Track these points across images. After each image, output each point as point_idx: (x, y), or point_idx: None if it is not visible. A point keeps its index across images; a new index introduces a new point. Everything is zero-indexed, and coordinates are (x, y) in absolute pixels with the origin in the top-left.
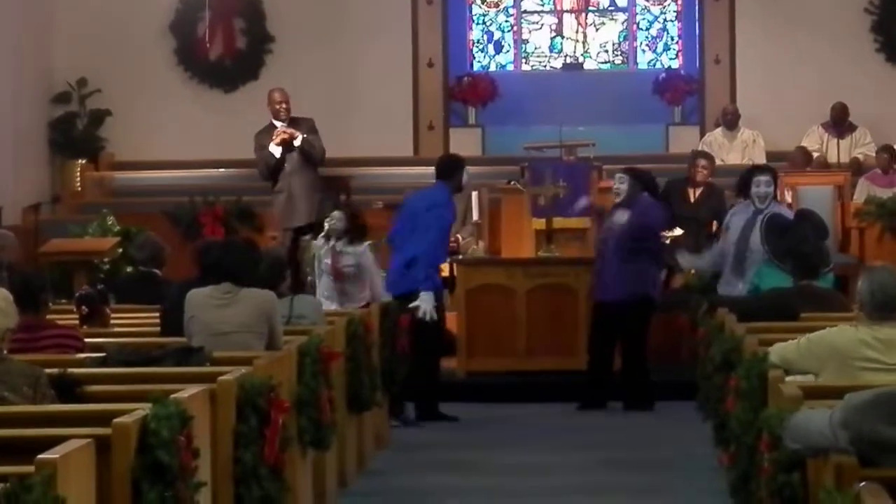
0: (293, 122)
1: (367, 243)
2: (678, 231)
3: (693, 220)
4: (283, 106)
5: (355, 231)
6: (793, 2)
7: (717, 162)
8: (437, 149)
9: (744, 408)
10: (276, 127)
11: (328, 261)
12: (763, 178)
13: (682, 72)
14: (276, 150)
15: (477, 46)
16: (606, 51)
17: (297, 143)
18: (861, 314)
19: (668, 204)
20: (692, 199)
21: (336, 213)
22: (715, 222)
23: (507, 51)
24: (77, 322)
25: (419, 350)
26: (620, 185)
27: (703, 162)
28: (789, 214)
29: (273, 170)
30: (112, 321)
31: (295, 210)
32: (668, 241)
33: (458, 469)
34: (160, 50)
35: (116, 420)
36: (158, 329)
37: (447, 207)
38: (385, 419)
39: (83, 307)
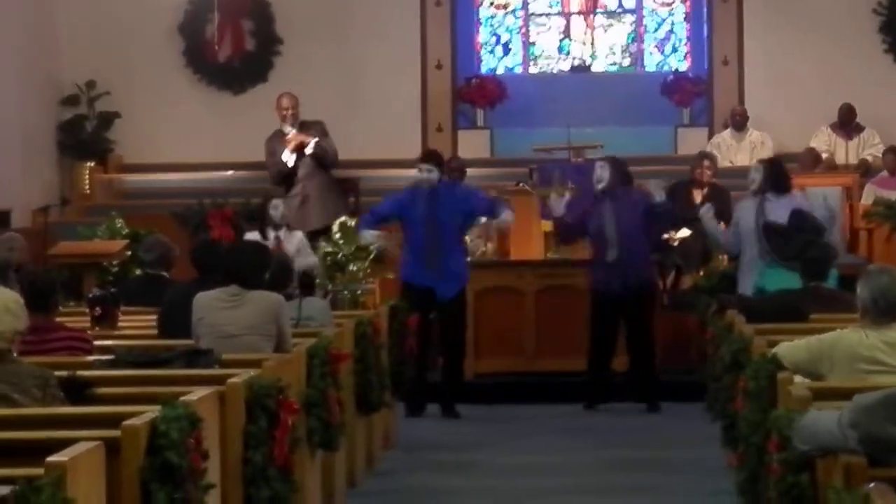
0: (303, 126)
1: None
2: (685, 231)
3: (700, 221)
4: (290, 112)
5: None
6: (801, 3)
7: (726, 163)
8: (445, 151)
9: (752, 408)
10: (284, 133)
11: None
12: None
13: (690, 73)
14: (289, 158)
15: (485, 48)
16: (614, 53)
17: (309, 149)
18: (865, 319)
19: (673, 205)
20: (698, 201)
21: (275, 201)
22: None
23: (515, 53)
24: (87, 324)
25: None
26: (602, 172)
27: (707, 162)
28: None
29: (285, 176)
30: (120, 323)
31: (308, 214)
32: (675, 243)
33: (467, 469)
34: (168, 52)
35: (126, 422)
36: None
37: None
38: (395, 419)
39: (96, 308)
